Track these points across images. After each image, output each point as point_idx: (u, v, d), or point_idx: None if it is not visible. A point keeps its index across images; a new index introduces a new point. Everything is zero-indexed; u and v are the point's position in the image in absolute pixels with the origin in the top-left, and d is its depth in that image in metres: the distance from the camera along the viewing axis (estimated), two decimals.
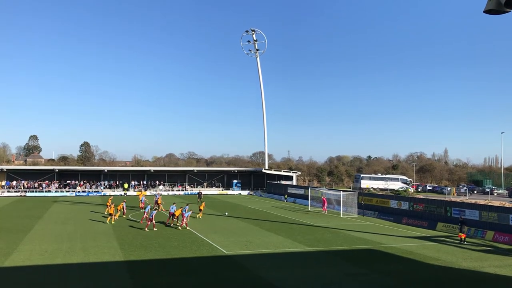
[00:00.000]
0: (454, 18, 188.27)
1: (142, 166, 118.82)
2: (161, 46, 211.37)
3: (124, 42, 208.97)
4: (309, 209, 51.45)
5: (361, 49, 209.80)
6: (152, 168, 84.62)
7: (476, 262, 23.71)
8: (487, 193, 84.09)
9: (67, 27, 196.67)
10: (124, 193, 71.02)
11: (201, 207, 41.76)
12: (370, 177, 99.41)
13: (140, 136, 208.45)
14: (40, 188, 70.91)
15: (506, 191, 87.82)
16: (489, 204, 43.98)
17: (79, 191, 71.43)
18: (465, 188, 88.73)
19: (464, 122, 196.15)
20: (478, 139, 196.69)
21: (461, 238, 30.15)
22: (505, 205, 47.79)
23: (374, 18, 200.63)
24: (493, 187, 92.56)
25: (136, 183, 77.54)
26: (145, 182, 78.41)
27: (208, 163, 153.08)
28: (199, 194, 57.43)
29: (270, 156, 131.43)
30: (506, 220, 31.83)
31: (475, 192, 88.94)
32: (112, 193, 70.30)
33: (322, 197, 50.35)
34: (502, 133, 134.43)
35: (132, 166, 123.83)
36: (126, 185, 74.48)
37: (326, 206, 49.11)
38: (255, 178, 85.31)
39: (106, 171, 77.44)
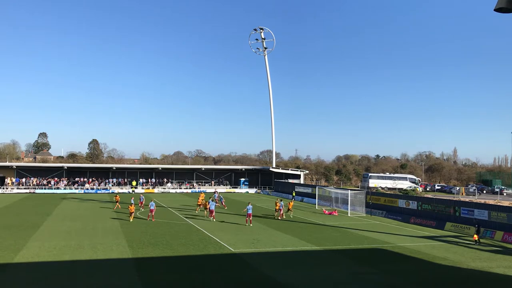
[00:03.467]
0: (462, 15, 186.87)
1: (150, 164, 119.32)
2: (170, 44, 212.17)
3: (135, 40, 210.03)
4: (316, 208, 51.34)
5: (371, 47, 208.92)
6: (160, 166, 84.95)
7: (485, 262, 23.53)
8: (496, 193, 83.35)
9: (78, 25, 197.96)
10: (133, 191, 71.34)
11: (290, 206, 42.22)
12: (378, 176, 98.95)
13: (149, 134, 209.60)
14: (49, 185, 71.45)
15: None
16: (499, 204, 43.61)
17: (87, 189, 71.86)
18: (474, 188, 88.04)
19: (474, 121, 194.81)
20: (488, 138, 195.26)
21: (476, 240, 29.65)
22: None
23: (385, 14, 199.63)
24: (503, 187, 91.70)
25: (144, 180, 77.86)
26: (153, 180, 78.69)
27: (216, 161, 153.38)
28: (216, 194, 53.18)
29: (277, 154, 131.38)
30: None
31: (484, 192, 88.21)
32: (120, 191, 70.69)
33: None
34: (511, 132, 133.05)
35: (140, 163, 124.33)
36: (134, 183, 74.81)
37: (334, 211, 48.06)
38: (262, 176, 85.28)
39: (114, 168, 77.87)
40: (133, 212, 36.27)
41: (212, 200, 38.92)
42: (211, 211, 37.31)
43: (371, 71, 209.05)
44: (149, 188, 74.91)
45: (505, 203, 50.87)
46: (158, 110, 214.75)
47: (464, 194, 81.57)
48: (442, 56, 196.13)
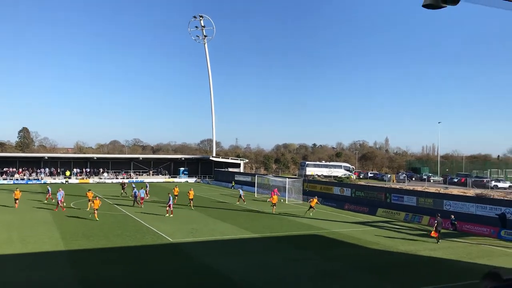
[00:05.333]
0: (388, 14, 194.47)
1: (85, 153, 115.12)
2: (109, 26, 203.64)
3: (71, 23, 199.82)
4: (255, 196, 51.98)
5: (312, 37, 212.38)
6: (96, 155, 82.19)
7: (413, 246, 24.97)
8: (424, 180, 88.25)
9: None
10: (66, 181, 68.62)
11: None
12: (315, 164, 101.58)
13: (83, 122, 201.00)
14: None
15: (442, 178, 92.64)
16: (426, 190, 46.24)
17: (17, 179, 68.19)
18: (404, 175, 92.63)
19: (405, 111, 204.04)
20: (417, 128, 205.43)
21: (436, 237, 25.93)
22: (440, 192, 50.40)
23: (326, 10, 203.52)
24: (430, 174, 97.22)
25: (79, 170, 75.09)
26: (88, 170, 76.07)
27: (155, 150, 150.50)
28: (123, 184, 51.64)
29: (218, 143, 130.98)
30: (440, 206, 33.65)
31: (413, 179, 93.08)
32: (53, 181, 67.74)
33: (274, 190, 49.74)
34: (439, 123, 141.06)
35: (74, 153, 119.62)
36: (68, 173, 71.94)
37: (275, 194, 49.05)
38: (202, 165, 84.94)
39: (46, 158, 74.39)
40: (96, 209, 31.32)
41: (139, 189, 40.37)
42: (141, 198, 39.08)
43: (311, 63, 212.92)
44: (83, 178, 72.38)
45: (432, 190, 54.00)
46: (93, 97, 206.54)
47: (395, 181, 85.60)
48: (374, 49, 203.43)
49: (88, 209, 35.15)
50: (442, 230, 30.29)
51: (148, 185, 49.16)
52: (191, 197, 39.23)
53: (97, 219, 30.60)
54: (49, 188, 42.59)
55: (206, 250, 22.39)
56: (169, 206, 33.93)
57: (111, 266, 18.83)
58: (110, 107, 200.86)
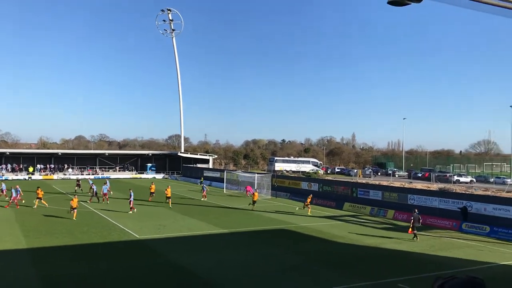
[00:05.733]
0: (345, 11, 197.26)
1: (48, 148, 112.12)
2: (71, 18, 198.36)
3: (30, 15, 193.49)
4: (224, 191, 51.87)
5: (282, 36, 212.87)
6: (60, 151, 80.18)
7: (378, 239, 25.47)
8: (389, 175, 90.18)
9: None
10: (29, 177, 66.67)
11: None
12: (284, 160, 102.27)
13: (47, 118, 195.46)
14: None
15: (406, 173, 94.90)
16: (391, 185, 47.28)
17: None
18: (370, 170, 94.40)
19: (371, 107, 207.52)
20: (383, 124, 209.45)
21: (414, 234, 25.10)
22: (404, 186, 51.65)
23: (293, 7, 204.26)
24: (395, 169, 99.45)
25: (42, 166, 73.08)
26: (52, 166, 74.13)
27: (121, 146, 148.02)
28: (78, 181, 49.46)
29: (186, 139, 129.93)
30: (405, 200, 34.45)
31: (379, 174, 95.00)
32: (15, 178, 65.70)
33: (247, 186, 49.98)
34: (404, 119, 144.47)
35: (38, 148, 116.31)
36: (31, 169, 69.92)
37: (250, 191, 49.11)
38: (170, 161, 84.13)
39: (8, 153, 72.05)
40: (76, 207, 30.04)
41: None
42: (104, 194, 38.49)
43: (278, 59, 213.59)
44: (47, 174, 70.51)
45: (397, 184, 55.24)
46: (57, 92, 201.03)
47: (361, 176, 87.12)
48: (342, 45, 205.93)
49: (35, 206, 33.90)
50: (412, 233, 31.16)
51: (108, 181, 47.87)
52: (168, 195, 38.25)
53: (75, 218, 29.20)
54: (4, 185, 41.26)
55: (173, 246, 22.19)
56: (130, 202, 33.26)
57: (76, 264, 18.40)
58: (75, 102, 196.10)
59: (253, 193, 39.24)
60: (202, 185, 48.61)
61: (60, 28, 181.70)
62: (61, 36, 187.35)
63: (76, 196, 33.41)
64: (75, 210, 29.64)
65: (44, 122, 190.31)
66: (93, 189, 39.39)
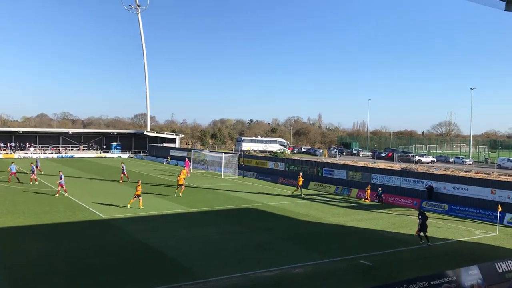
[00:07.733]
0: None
1: (9, 126, 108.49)
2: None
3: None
4: (191, 171, 51.75)
5: (244, 16, 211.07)
6: (21, 129, 77.75)
7: (342, 217, 26.12)
8: (354, 154, 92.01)
9: None
10: None
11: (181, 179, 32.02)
12: (251, 139, 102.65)
13: (7, 94, 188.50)
14: None
15: (370, 153, 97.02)
16: (355, 164, 48.25)
17: None
18: (335, 150, 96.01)
19: (336, 88, 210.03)
20: (349, 105, 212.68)
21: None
22: (368, 166, 52.81)
23: None
24: (360, 149, 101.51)
25: (3, 145, 70.80)
26: (12, 144, 71.91)
27: (85, 124, 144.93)
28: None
29: (152, 118, 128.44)
30: (368, 179, 35.30)
31: (344, 153, 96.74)
32: None
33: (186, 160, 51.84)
34: (369, 100, 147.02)
35: None
36: None
37: (188, 168, 49.85)
38: (136, 140, 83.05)
39: None
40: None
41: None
42: (13, 173, 36.37)
43: (245, 39, 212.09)
44: (8, 153, 68.40)
45: (361, 164, 56.42)
46: (18, 68, 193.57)
47: (326, 156, 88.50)
48: (308, 27, 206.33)
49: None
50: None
51: (38, 160, 47.38)
52: (181, 182, 31.85)
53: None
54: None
55: (139, 226, 22.11)
56: (60, 184, 30.44)
57: (38, 244, 18.11)
58: (37, 78, 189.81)
59: (182, 172, 34.26)
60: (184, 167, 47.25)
61: (21, 2, 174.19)
62: (22, 11, 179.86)
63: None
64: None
65: (4, 99, 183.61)
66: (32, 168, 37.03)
